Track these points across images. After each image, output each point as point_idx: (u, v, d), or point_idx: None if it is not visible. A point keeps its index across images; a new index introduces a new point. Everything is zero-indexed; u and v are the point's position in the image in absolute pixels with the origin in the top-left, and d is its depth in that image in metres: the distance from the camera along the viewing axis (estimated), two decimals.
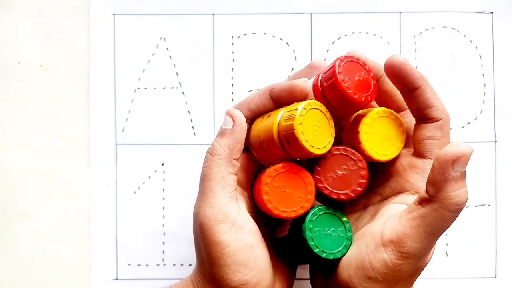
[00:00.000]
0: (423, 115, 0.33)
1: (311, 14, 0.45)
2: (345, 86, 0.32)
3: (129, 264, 0.45)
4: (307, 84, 0.33)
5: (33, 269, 0.45)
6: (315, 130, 0.32)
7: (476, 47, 0.45)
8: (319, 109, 0.32)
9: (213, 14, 0.45)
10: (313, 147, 0.32)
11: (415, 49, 0.45)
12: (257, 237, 0.33)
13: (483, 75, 0.45)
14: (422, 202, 0.29)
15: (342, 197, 0.33)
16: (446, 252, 0.44)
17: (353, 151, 0.33)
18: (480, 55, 0.45)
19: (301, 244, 0.33)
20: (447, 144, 0.29)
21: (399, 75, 0.32)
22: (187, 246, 0.45)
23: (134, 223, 0.45)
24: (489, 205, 0.44)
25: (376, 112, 0.34)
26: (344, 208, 0.36)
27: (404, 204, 0.32)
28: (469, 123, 0.45)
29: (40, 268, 0.45)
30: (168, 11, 0.45)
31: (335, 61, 0.33)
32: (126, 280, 0.45)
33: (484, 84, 0.45)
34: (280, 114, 0.33)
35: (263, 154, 0.35)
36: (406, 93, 0.33)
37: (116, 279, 0.45)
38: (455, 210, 0.28)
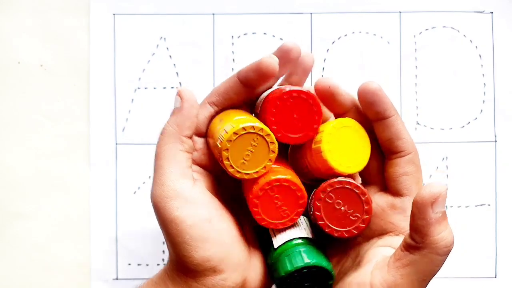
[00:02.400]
0: (393, 148, 0.32)
1: (311, 14, 0.45)
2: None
3: (129, 264, 0.45)
4: (274, 60, 0.31)
5: (33, 269, 0.45)
6: (246, 156, 0.30)
7: (476, 47, 0.45)
8: (255, 133, 0.30)
9: (213, 14, 0.45)
10: (239, 172, 0.30)
11: (415, 49, 0.45)
12: (216, 211, 0.32)
13: (483, 75, 0.45)
14: (409, 248, 0.28)
15: (345, 234, 0.31)
16: None
17: (356, 184, 0.31)
18: (480, 55, 0.45)
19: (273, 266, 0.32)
20: (421, 179, 0.29)
21: (371, 102, 0.31)
22: None
23: (134, 223, 0.45)
24: (489, 205, 0.44)
25: (339, 122, 0.32)
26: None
27: (390, 247, 0.31)
28: (469, 123, 0.45)
29: (40, 268, 0.45)
30: (168, 11, 0.45)
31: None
32: (126, 280, 0.45)
33: (484, 84, 0.45)
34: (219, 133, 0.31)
35: (213, 151, 0.33)
36: (377, 122, 0.32)
37: (116, 279, 0.45)
38: (444, 253, 0.28)
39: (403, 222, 0.31)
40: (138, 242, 0.45)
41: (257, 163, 0.31)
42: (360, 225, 0.31)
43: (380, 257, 0.30)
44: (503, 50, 0.45)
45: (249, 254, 0.33)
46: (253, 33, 0.45)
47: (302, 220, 0.33)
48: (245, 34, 0.45)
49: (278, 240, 0.32)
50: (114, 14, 0.45)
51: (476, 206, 0.45)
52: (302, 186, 0.31)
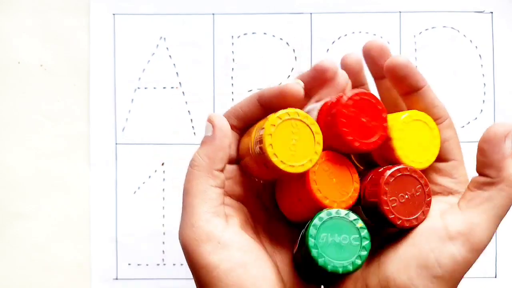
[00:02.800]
0: (431, 116, 0.31)
1: (311, 14, 0.45)
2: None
3: (129, 264, 0.45)
4: (300, 86, 0.30)
5: (33, 269, 0.45)
6: (292, 146, 0.28)
7: (476, 47, 0.45)
8: (299, 119, 0.28)
9: (213, 14, 0.45)
10: (284, 163, 0.28)
11: (415, 49, 0.45)
12: (252, 253, 0.29)
13: (483, 75, 0.45)
14: (482, 186, 0.28)
15: (406, 224, 0.29)
16: None
17: (421, 173, 0.29)
18: (480, 55, 0.45)
19: (306, 256, 0.28)
20: (459, 142, 0.29)
21: (403, 76, 0.30)
22: None
23: (134, 223, 0.45)
24: None
25: (409, 116, 0.30)
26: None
27: (446, 203, 0.30)
28: (469, 123, 0.45)
29: (40, 268, 0.45)
30: (168, 11, 0.45)
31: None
32: (126, 280, 0.45)
33: (484, 84, 0.45)
34: (254, 133, 0.29)
35: (252, 170, 0.31)
36: (408, 94, 0.31)
37: (116, 279, 0.45)
38: None
39: (451, 184, 0.31)
40: (138, 242, 0.45)
41: (302, 156, 0.28)
42: (420, 216, 0.29)
43: (443, 206, 0.30)
44: (503, 50, 0.45)
45: None
46: (253, 33, 0.45)
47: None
48: (245, 34, 0.45)
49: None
50: (114, 14, 0.45)
51: None
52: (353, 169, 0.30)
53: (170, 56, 0.45)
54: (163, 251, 0.45)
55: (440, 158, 0.32)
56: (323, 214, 0.28)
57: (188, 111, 0.45)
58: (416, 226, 0.29)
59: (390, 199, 0.29)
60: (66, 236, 0.45)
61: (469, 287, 0.44)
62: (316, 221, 0.28)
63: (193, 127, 0.45)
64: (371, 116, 0.29)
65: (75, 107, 0.45)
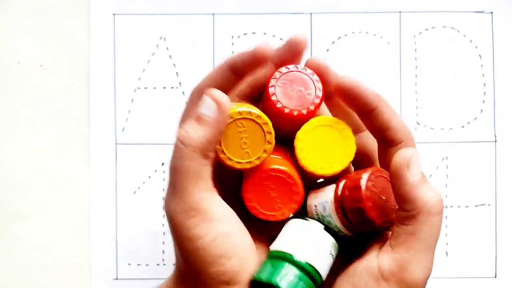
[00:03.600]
0: (383, 137, 0.31)
1: (311, 14, 0.45)
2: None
3: (129, 264, 0.45)
4: (271, 47, 0.30)
5: (33, 269, 0.45)
6: (243, 144, 0.30)
7: (476, 47, 0.45)
8: (252, 119, 0.30)
9: (213, 14, 0.45)
10: (231, 160, 0.30)
11: (415, 49, 0.45)
12: (234, 224, 0.30)
13: (483, 75, 0.45)
14: (403, 221, 0.28)
15: (385, 225, 0.30)
16: (446, 252, 0.44)
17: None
18: (480, 55, 0.45)
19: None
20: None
21: (351, 97, 0.30)
22: None
23: (134, 223, 0.45)
24: (489, 205, 0.44)
25: (317, 120, 0.31)
26: None
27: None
28: (469, 123, 0.45)
29: (40, 268, 0.45)
30: (168, 11, 0.45)
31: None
32: (126, 280, 0.45)
33: (484, 84, 0.45)
34: None
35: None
36: (362, 115, 0.31)
37: (116, 279, 0.45)
38: (438, 212, 0.27)
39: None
40: (138, 242, 0.45)
41: (251, 153, 0.30)
42: (393, 216, 0.30)
43: (382, 242, 0.30)
44: (503, 50, 0.45)
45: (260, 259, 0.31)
46: (253, 33, 0.45)
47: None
48: (245, 34, 0.45)
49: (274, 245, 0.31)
50: (114, 14, 0.45)
51: (476, 206, 0.45)
52: (299, 181, 0.31)
53: (170, 56, 0.45)
54: (163, 251, 0.45)
55: None
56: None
57: None
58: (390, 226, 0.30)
59: (372, 203, 0.29)
60: (66, 236, 0.45)
61: (469, 287, 0.44)
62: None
63: None
64: (305, 89, 0.31)
65: (75, 107, 0.45)
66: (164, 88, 0.45)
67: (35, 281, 0.45)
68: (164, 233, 0.45)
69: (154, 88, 0.45)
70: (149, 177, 0.45)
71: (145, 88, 0.45)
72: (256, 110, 0.30)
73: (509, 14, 0.45)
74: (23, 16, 0.45)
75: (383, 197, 0.29)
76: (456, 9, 0.45)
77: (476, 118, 0.45)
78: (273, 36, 0.45)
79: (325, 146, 0.31)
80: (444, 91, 0.45)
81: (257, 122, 0.30)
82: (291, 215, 0.31)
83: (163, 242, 0.45)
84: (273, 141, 0.30)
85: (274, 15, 0.45)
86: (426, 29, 0.45)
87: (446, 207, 0.44)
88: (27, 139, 0.45)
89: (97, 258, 0.44)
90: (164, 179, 0.45)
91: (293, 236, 0.31)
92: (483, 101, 0.45)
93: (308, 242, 0.30)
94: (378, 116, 0.30)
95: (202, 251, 0.28)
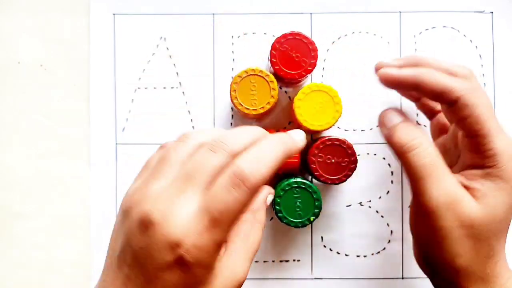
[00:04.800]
0: (441, 102, 0.35)
1: (311, 14, 0.45)
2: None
3: None
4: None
5: (33, 269, 0.45)
6: (252, 96, 0.39)
7: (476, 47, 0.45)
8: (256, 74, 0.39)
9: (213, 14, 0.45)
10: (248, 109, 0.39)
11: (415, 49, 0.45)
12: None
13: (483, 75, 0.45)
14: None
15: (328, 181, 0.40)
16: None
17: (350, 144, 0.40)
18: (480, 55, 0.45)
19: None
20: (481, 116, 0.33)
21: (397, 88, 0.36)
22: None
23: None
24: None
25: (308, 87, 0.39)
26: None
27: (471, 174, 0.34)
28: None
29: (40, 268, 0.45)
30: (168, 11, 0.45)
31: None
32: None
33: (484, 84, 0.45)
34: None
35: None
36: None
37: None
38: None
39: (477, 159, 0.34)
40: None
41: (261, 101, 0.39)
42: (342, 178, 0.40)
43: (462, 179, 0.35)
44: (503, 50, 0.45)
45: None
46: (253, 33, 0.45)
47: None
48: (245, 34, 0.45)
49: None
50: (114, 14, 0.45)
51: None
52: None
53: (170, 56, 0.45)
54: None
55: (466, 134, 0.34)
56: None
57: (188, 111, 0.45)
58: (337, 183, 0.40)
59: (318, 160, 0.40)
60: (66, 236, 0.45)
61: None
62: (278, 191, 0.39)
63: (193, 127, 0.45)
64: (301, 54, 0.39)
65: (75, 107, 0.45)
66: (164, 88, 0.45)
67: (35, 281, 0.45)
68: None
69: (154, 88, 0.45)
70: None
71: (145, 88, 0.45)
72: (265, 70, 0.39)
73: (509, 14, 0.45)
74: (23, 16, 0.45)
75: (333, 160, 0.40)
76: (456, 9, 0.45)
77: None
78: (273, 36, 0.45)
79: (318, 108, 0.39)
80: None
81: (265, 79, 0.39)
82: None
83: None
84: (277, 88, 0.39)
85: (274, 15, 0.45)
86: (426, 29, 0.45)
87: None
88: (27, 139, 0.45)
89: (97, 258, 0.44)
90: None
91: None
92: None
93: None
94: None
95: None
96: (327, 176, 0.39)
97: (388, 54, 0.45)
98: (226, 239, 0.30)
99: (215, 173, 0.29)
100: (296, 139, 0.32)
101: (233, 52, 0.45)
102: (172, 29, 0.45)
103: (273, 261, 0.45)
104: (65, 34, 0.45)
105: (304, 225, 0.39)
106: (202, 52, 0.45)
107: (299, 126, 0.40)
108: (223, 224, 0.28)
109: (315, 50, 0.39)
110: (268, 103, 0.39)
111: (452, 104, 0.33)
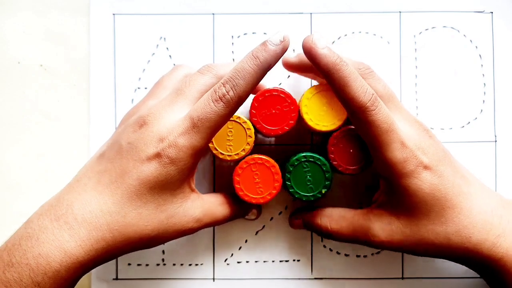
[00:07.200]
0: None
1: (311, 14, 0.45)
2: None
3: (129, 264, 0.45)
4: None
5: None
6: (228, 141, 0.39)
7: (476, 47, 0.45)
8: (233, 121, 0.39)
9: (213, 14, 0.45)
10: (222, 154, 0.40)
11: (415, 49, 0.45)
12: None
13: (483, 75, 0.45)
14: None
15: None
16: None
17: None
18: (480, 55, 0.45)
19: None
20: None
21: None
22: (187, 246, 0.45)
23: None
24: None
25: (314, 88, 0.39)
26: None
27: None
28: (469, 123, 0.45)
29: None
30: (168, 11, 0.45)
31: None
32: (126, 280, 0.45)
33: (484, 84, 0.45)
34: None
35: None
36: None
37: (116, 279, 0.45)
38: None
39: None
40: None
41: (237, 147, 0.39)
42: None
43: None
44: (503, 50, 0.45)
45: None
46: (253, 33, 0.45)
47: None
48: (245, 34, 0.45)
49: None
50: (114, 14, 0.45)
51: None
52: (278, 170, 0.39)
53: (170, 56, 0.45)
54: (163, 251, 0.45)
55: None
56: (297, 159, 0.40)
57: None
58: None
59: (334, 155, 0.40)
60: None
61: (469, 286, 0.44)
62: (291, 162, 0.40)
63: None
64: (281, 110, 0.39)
65: (75, 107, 0.45)
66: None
67: None
68: None
69: None
70: None
71: (145, 88, 0.45)
72: (243, 117, 0.39)
73: (509, 14, 0.45)
74: (23, 16, 0.45)
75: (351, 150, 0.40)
76: (456, 9, 0.45)
77: (476, 118, 0.45)
78: None
79: (324, 108, 0.39)
80: (444, 91, 0.45)
81: (242, 126, 0.39)
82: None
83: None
84: (253, 136, 0.39)
85: (274, 15, 0.45)
86: (426, 29, 0.45)
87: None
88: (27, 139, 0.45)
89: None
90: None
91: None
92: (483, 101, 0.45)
93: None
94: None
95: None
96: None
97: (388, 54, 0.45)
98: (204, 149, 0.35)
99: (202, 90, 0.36)
100: (270, 48, 0.34)
101: (233, 52, 0.45)
102: (172, 29, 0.45)
103: (273, 261, 0.45)
104: (65, 34, 0.45)
105: (316, 199, 0.39)
106: (202, 52, 0.45)
107: (305, 125, 0.40)
108: (201, 130, 0.33)
109: (294, 103, 0.39)
110: (243, 150, 0.39)
111: None
